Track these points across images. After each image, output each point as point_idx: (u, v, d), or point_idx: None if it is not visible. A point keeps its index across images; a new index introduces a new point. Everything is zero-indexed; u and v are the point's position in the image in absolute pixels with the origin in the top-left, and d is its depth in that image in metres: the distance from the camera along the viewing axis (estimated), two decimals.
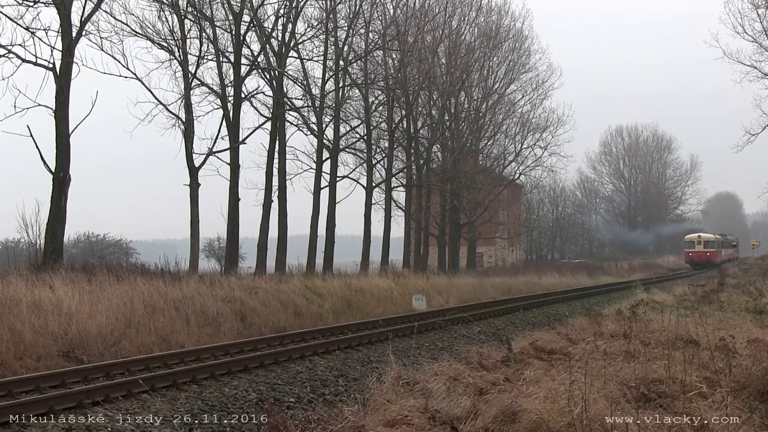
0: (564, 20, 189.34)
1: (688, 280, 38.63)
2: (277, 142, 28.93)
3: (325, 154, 31.71)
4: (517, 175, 51.29)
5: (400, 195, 41.28)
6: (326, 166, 31.81)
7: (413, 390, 7.88)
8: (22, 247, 27.96)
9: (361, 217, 34.78)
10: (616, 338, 11.52)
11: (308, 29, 30.99)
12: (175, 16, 25.25)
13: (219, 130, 26.03)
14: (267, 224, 28.19)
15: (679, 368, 8.00)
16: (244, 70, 27.23)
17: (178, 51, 25.24)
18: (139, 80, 24.04)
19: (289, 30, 29.33)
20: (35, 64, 19.24)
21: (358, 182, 35.65)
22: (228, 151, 26.04)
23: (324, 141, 31.60)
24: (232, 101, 26.63)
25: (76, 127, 19.74)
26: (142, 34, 24.65)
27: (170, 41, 25.34)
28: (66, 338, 11.71)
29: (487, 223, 51.45)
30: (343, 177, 33.98)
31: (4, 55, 18.89)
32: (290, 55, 29.87)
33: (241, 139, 26.60)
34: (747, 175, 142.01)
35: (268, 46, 28.31)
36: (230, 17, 26.84)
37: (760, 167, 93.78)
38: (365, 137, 35.60)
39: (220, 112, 26.51)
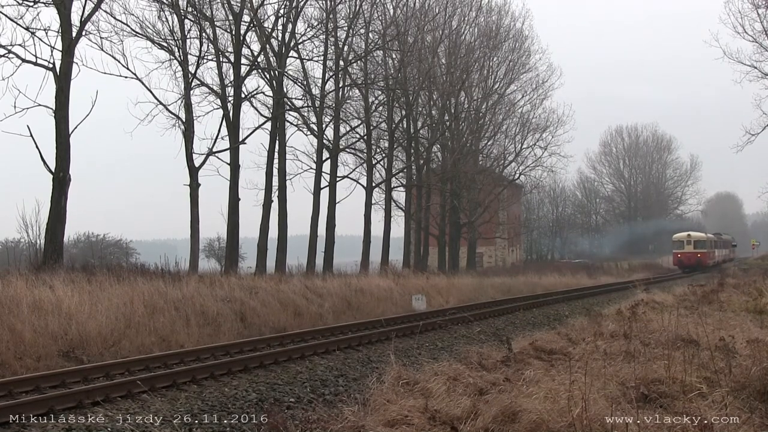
0: (563, 19, 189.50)
1: (688, 280, 38.63)
2: (277, 142, 28.94)
3: (325, 154, 31.73)
4: (517, 175, 51.33)
5: (400, 195, 41.36)
6: (326, 166, 31.89)
7: (413, 390, 7.87)
8: (22, 247, 27.98)
9: (361, 217, 34.86)
10: (616, 338, 11.50)
11: (308, 29, 31.09)
12: (175, 16, 25.30)
13: (219, 130, 26.08)
14: (267, 224, 28.20)
15: (679, 368, 8.00)
16: (244, 70, 27.27)
17: (178, 51, 25.25)
18: (139, 80, 24.09)
19: (289, 30, 29.38)
20: (35, 64, 19.25)
21: (358, 182, 35.71)
22: (228, 151, 26.05)
23: (324, 141, 31.62)
24: (232, 101, 26.64)
25: (76, 127, 19.81)
26: (142, 34, 24.70)
27: (170, 41, 25.37)
28: (66, 338, 11.71)
29: (487, 223, 51.45)
30: (343, 177, 34.06)
31: (4, 55, 18.93)
32: (290, 55, 29.95)
33: (241, 139, 26.62)
34: (747, 175, 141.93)
35: (268, 46, 28.32)
36: (230, 17, 26.86)
37: (760, 167, 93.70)
38: (365, 137, 35.62)
39: (220, 112, 26.55)
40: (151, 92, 24.75)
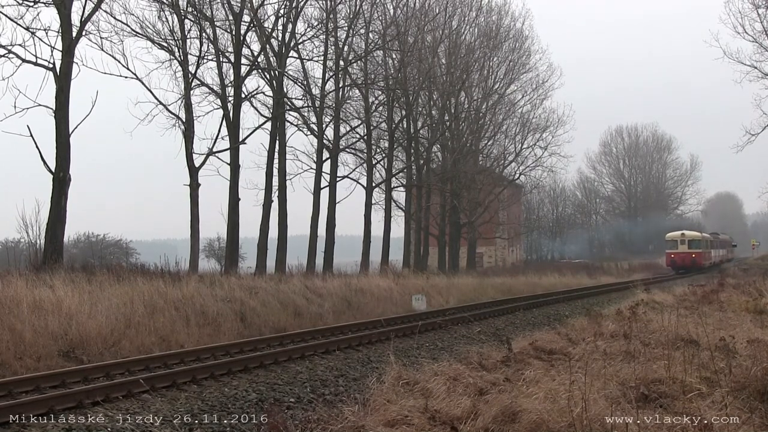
0: (562, 19, 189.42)
1: (688, 280, 38.63)
2: (277, 142, 28.95)
3: (325, 154, 31.73)
4: (517, 175, 51.37)
5: (400, 195, 41.38)
6: (326, 166, 31.89)
7: (413, 390, 7.88)
8: (22, 247, 27.98)
9: (361, 217, 34.86)
10: (616, 338, 11.51)
11: (308, 29, 31.09)
12: (175, 16, 25.29)
13: (219, 130, 26.08)
14: (267, 224, 28.20)
15: (679, 368, 8.00)
16: (244, 70, 27.26)
17: (178, 51, 25.25)
18: (139, 80, 24.09)
19: (289, 30, 29.38)
20: (35, 64, 19.26)
21: (358, 182, 35.71)
22: (228, 151, 26.05)
23: (324, 141, 31.63)
24: (232, 101, 26.64)
25: (76, 127, 19.81)
26: (142, 34, 24.70)
27: (170, 41, 25.37)
28: (66, 338, 11.71)
29: (487, 223, 51.46)
30: (343, 177, 34.06)
31: (4, 55, 18.95)
32: (290, 55, 29.95)
33: (241, 139, 26.61)
34: (747, 175, 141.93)
35: (268, 46, 28.32)
36: (230, 17, 26.86)
37: (760, 167, 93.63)
38: (365, 137, 35.62)
39: (220, 112, 26.56)
40: (151, 92, 24.77)
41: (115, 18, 23.68)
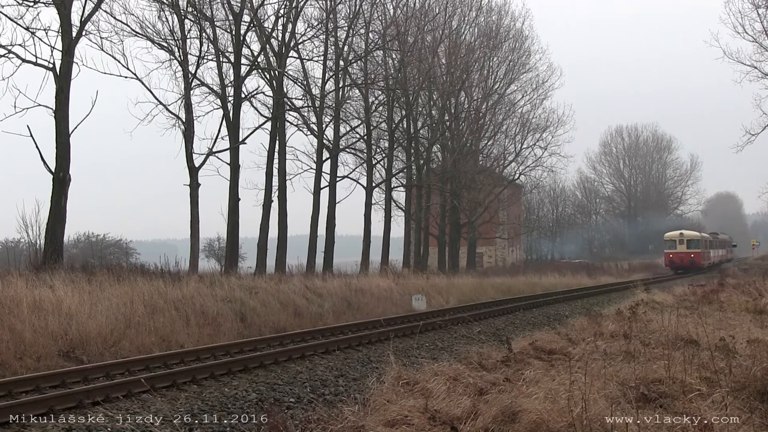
0: (562, 18, 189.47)
1: (688, 280, 38.62)
2: (277, 142, 28.95)
3: (325, 154, 31.74)
4: (517, 175, 51.40)
5: (400, 195, 41.41)
6: (326, 166, 31.91)
7: (413, 390, 7.87)
8: (22, 247, 27.96)
9: (361, 217, 34.87)
10: (616, 338, 11.51)
11: (308, 29, 31.11)
12: (175, 16, 25.30)
13: (219, 130, 26.09)
14: (267, 224, 28.21)
15: (679, 368, 8.00)
16: (244, 70, 27.28)
17: (178, 51, 25.26)
18: (139, 80, 24.10)
19: (289, 30, 29.38)
20: (35, 64, 19.27)
21: (358, 182, 35.73)
22: (228, 151, 26.06)
23: (324, 141, 31.63)
24: (232, 101, 26.65)
25: (76, 127, 19.83)
26: (142, 34, 24.71)
27: (170, 41, 25.38)
28: (66, 338, 11.71)
29: (487, 223, 51.47)
30: (343, 177, 34.09)
31: (4, 55, 18.96)
32: (290, 55, 29.96)
33: (241, 139, 26.62)
34: (747, 175, 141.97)
35: (268, 46, 28.32)
36: (230, 17, 26.87)
37: (761, 167, 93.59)
38: (365, 137, 35.63)
39: (220, 112, 26.57)
40: (151, 92, 24.80)
41: (115, 18, 23.74)
